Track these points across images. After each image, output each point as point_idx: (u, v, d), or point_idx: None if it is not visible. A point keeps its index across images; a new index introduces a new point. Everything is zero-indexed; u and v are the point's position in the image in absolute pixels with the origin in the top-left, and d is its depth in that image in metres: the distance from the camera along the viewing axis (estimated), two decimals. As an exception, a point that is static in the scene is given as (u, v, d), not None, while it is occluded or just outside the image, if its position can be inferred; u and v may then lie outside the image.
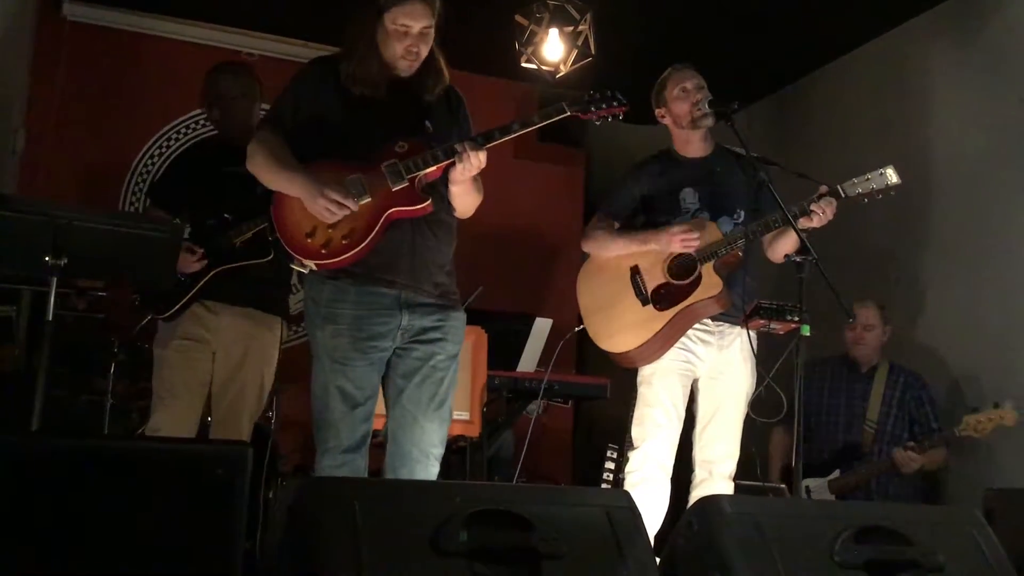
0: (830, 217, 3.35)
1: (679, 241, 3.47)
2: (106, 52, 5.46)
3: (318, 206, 2.69)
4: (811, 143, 5.73)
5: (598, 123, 2.99)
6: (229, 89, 3.69)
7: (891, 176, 3.37)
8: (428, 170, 2.77)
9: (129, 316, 4.31)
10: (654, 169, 3.67)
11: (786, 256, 3.36)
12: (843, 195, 3.38)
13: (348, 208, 2.70)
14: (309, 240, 2.74)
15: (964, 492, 4.44)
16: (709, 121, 3.58)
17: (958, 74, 4.81)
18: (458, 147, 2.76)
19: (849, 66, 5.51)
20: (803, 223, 3.35)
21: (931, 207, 4.79)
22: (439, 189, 2.88)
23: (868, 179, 3.38)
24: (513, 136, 2.83)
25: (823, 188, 3.39)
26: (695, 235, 3.46)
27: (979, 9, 4.70)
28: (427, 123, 2.88)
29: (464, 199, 2.92)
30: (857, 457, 4.39)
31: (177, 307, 3.53)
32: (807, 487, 4.29)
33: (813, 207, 3.35)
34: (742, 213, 3.58)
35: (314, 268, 2.78)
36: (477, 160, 2.76)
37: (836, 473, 4.33)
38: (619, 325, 3.53)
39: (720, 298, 3.45)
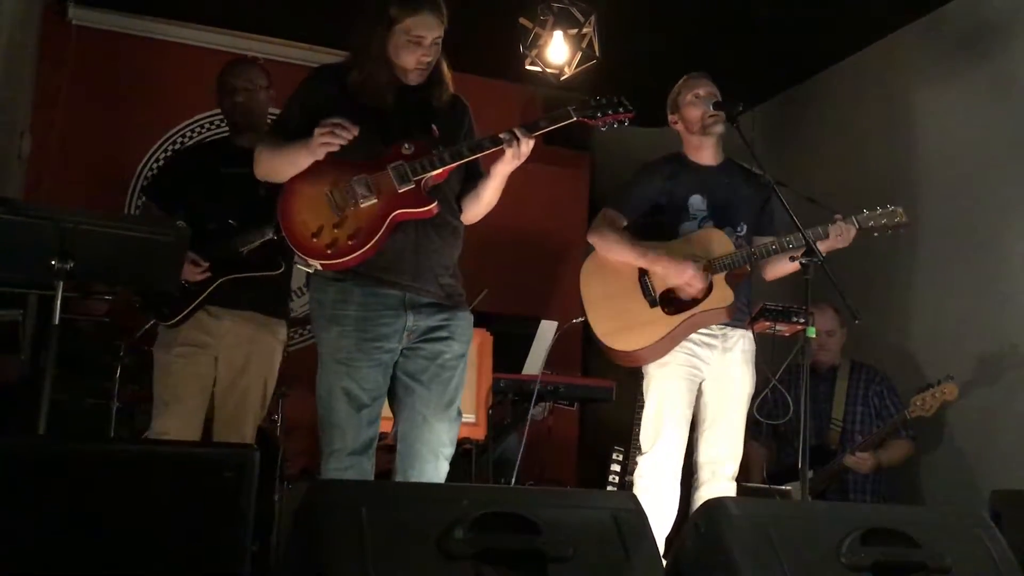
0: (848, 242, 3.42)
1: (687, 281, 3.44)
2: (111, 56, 5.47)
3: (319, 140, 2.70)
4: (814, 146, 5.74)
5: (604, 129, 2.98)
6: (253, 80, 3.69)
7: (901, 215, 3.47)
8: (435, 172, 2.78)
9: (133, 320, 4.33)
10: (665, 171, 3.67)
11: (792, 258, 3.36)
12: (857, 226, 3.44)
13: (348, 130, 2.70)
14: (315, 240, 2.74)
15: (938, 487, 4.60)
16: (719, 128, 3.59)
17: (955, 78, 4.81)
18: (504, 135, 2.77)
19: (851, 70, 5.51)
20: (820, 246, 3.35)
21: (930, 207, 4.77)
22: (445, 192, 2.89)
23: (879, 212, 3.48)
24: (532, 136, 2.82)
25: (838, 216, 3.45)
26: (699, 288, 3.45)
27: (977, 15, 4.71)
28: (433, 127, 2.90)
29: (489, 197, 2.94)
30: (827, 456, 4.45)
31: (183, 315, 3.52)
32: (788, 491, 4.32)
33: (832, 229, 3.41)
34: (745, 226, 3.62)
35: (319, 268, 2.79)
36: (527, 148, 2.79)
37: (809, 475, 4.35)
38: (625, 324, 3.52)
39: (729, 310, 3.48)
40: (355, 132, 2.72)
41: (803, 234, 3.29)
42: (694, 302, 3.46)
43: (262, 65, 3.89)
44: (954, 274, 4.66)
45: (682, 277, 3.45)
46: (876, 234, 3.49)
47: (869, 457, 4.32)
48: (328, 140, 2.71)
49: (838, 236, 3.41)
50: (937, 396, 4.14)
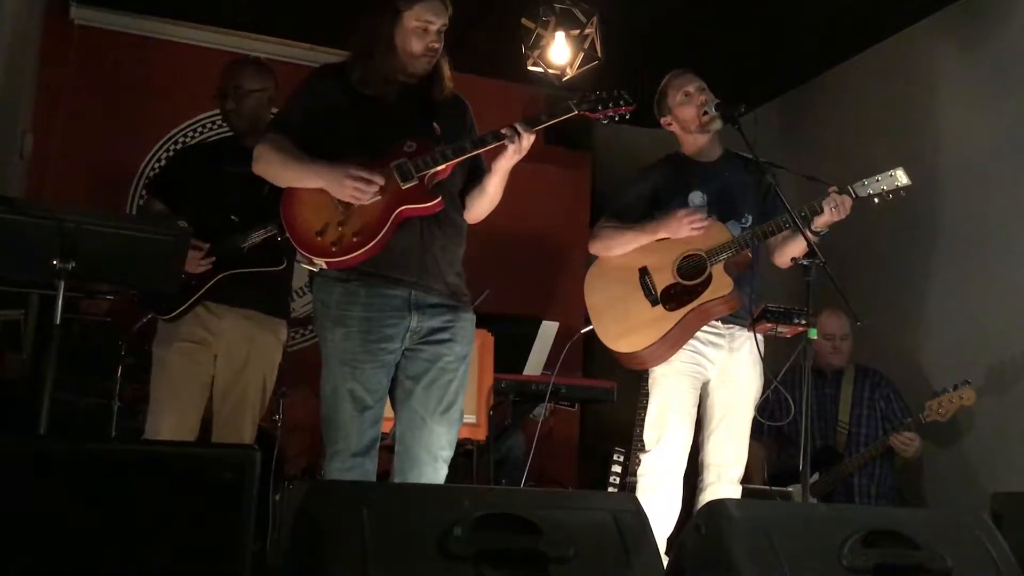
0: (845, 213, 3.35)
1: (688, 223, 3.45)
2: (113, 56, 5.47)
3: (346, 187, 2.71)
4: (817, 146, 5.73)
5: (605, 122, 2.99)
6: (250, 82, 3.68)
7: (901, 177, 3.38)
8: (438, 168, 2.79)
9: (135, 319, 4.33)
10: (662, 172, 3.67)
11: (793, 259, 3.36)
12: (854, 195, 3.38)
13: (376, 183, 2.71)
14: (319, 238, 2.74)
15: (943, 494, 4.57)
16: (717, 124, 3.57)
17: (964, 77, 4.80)
18: (505, 131, 2.79)
19: (855, 69, 5.50)
20: (818, 222, 3.35)
21: (937, 209, 4.78)
22: (449, 190, 2.89)
23: (878, 180, 3.39)
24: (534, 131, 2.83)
25: (833, 188, 3.40)
26: (701, 216, 3.44)
27: (985, 12, 4.71)
28: (435, 124, 2.90)
29: (492, 192, 2.93)
30: (833, 458, 4.44)
31: (181, 309, 3.52)
32: (789, 492, 4.31)
33: (825, 203, 3.35)
34: (750, 217, 3.58)
35: (324, 267, 2.78)
36: (528, 142, 2.80)
37: (815, 477, 4.34)
38: (628, 326, 3.52)
39: (730, 299, 3.45)
40: (382, 183, 2.73)
41: (799, 227, 3.28)
42: (694, 295, 3.45)
43: (263, 64, 3.87)
44: (965, 278, 4.64)
45: (681, 223, 3.45)
46: (877, 201, 3.39)
47: (916, 437, 4.26)
48: (356, 196, 2.72)
49: (833, 209, 3.34)
50: (954, 401, 4.09)
